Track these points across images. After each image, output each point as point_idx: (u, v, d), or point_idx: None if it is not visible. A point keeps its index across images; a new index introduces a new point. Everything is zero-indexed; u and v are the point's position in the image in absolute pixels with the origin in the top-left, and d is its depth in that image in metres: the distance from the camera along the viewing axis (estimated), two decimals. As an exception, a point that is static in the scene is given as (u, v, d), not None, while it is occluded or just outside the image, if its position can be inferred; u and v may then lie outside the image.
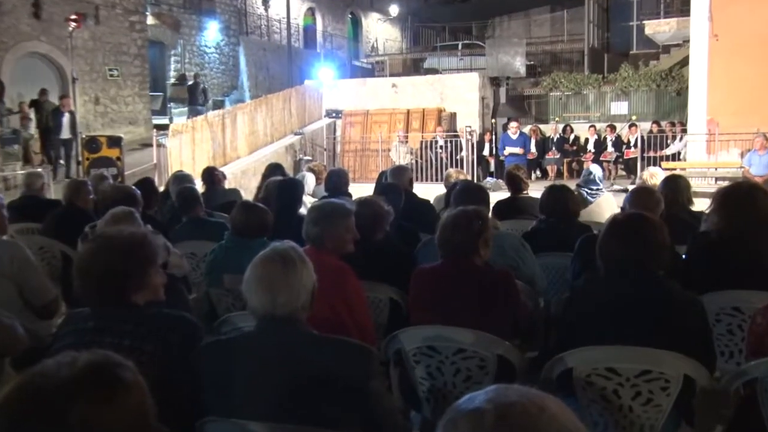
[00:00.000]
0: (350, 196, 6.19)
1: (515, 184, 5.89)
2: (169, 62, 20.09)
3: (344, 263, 3.04)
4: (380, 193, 4.79)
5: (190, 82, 18.10)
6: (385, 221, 3.83)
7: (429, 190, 10.62)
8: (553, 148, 15.03)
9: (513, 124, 13.12)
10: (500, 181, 14.14)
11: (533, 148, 15.16)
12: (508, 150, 12.96)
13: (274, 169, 7.15)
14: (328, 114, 17.51)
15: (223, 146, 13.72)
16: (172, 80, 19.58)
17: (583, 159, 15.68)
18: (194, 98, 17.68)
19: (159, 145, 12.24)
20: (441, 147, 14.83)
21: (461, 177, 6.69)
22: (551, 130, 16.22)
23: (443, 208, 5.08)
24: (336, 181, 6.20)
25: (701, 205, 3.96)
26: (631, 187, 7.31)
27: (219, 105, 18.46)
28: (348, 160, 16.71)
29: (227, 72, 21.10)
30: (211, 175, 6.83)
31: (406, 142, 15.37)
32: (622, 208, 3.43)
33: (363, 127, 16.85)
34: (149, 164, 12.34)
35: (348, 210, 3.20)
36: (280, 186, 5.41)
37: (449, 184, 6.27)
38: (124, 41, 17.23)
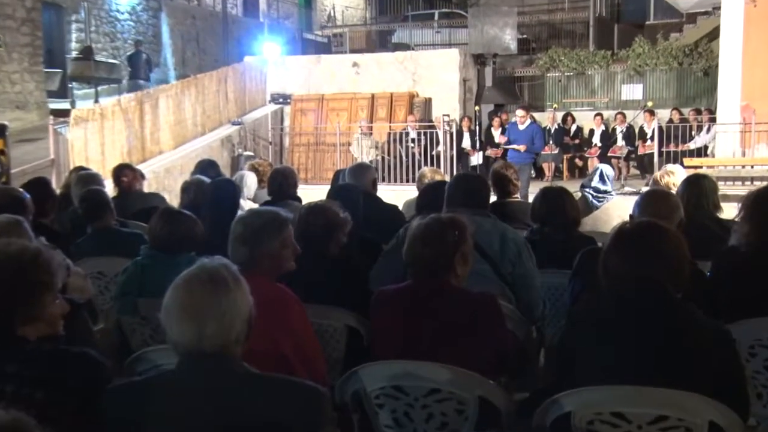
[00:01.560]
0: (299, 200, 6.20)
1: (502, 186, 5.96)
2: (70, 31, 19.43)
3: (283, 287, 3.03)
4: (336, 197, 4.80)
5: (131, 52, 18.09)
6: (340, 231, 3.84)
7: (398, 194, 10.66)
8: (551, 142, 15.23)
9: (519, 113, 13.25)
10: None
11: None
12: (510, 147, 13.09)
13: (206, 167, 7.12)
14: (274, 99, 17.49)
15: (141, 138, 13.59)
16: (74, 53, 19.02)
17: (587, 155, 15.95)
18: (136, 71, 17.50)
19: (57, 136, 12.02)
20: (413, 140, 14.93)
21: (437, 177, 6.73)
22: (548, 119, 16.46)
23: (414, 215, 5.11)
24: (281, 183, 6.20)
25: (731, 211, 4.05)
26: (646, 189, 7.46)
27: (136, 86, 18.22)
28: (298, 157, 16.71)
29: (146, 45, 20.88)
30: (125, 175, 6.77)
31: (370, 134, 15.44)
32: (631, 216, 3.49)
33: (317, 116, 16.89)
34: (44, 160, 12.06)
35: (282, 219, 3.20)
36: (213, 188, 5.40)
37: (422, 185, 6.31)
38: (7, 1, 16.44)
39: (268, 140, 16.62)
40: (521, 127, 12.92)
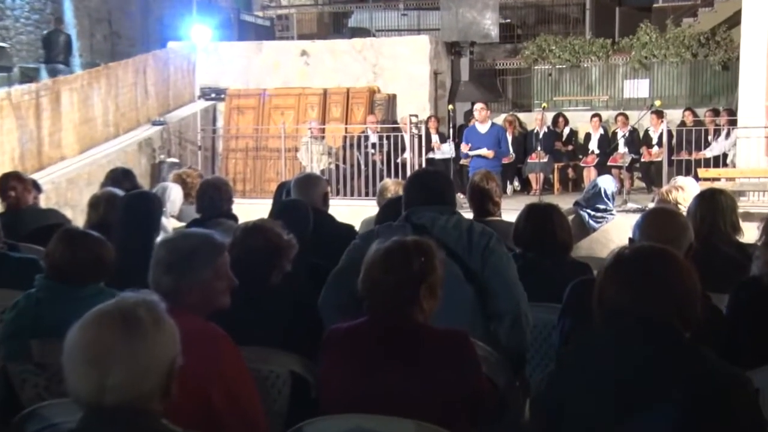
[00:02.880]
0: (235, 219, 6.18)
1: (481, 203, 6.01)
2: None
3: (214, 326, 3.03)
4: (279, 215, 4.80)
5: (47, 31, 18.03)
6: (284, 257, 3.85)
7: (354, 210, 10.66)
8: (539, 148, 15.39)
9: (479, 106, 13.38)
10: (461, 196, 14.26)
11: (510, 148, 15.50)
12: (473, 152, 13.14)
13: (119, 177, 7.09)
14: (205, 94, 17.45)
15: (37, 140, 13.45)
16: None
17: (582, 164, 16.16)
18: (53, 53, 17.33)
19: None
20: (374, 146, 14.99)
21: (401, 189, 6.77)
22: (536, 121, 16.66)
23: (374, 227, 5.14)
24: (213, 197, 6.19)
25: (753, 233, 4.12)
26: (652, 205, 7.54)
27: (31, 77, 18.06)
28: (234, 165, 16.68)
29: (44, 25, 20.67)
30: (13, 187, 6.70)
31: (322, 138, 15.48)
32: (631, 240, 3.54)
33: (257, 115, 16.90)
34: None
35: (216, 244, 3.20)
36: (127, 203, 5.36)
37: (384, 200, 6.34)
38: None
39: (196, 144, 16.57)
40: (483, 128, 13.10)
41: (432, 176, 4.40)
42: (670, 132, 14.81)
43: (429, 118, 16.24)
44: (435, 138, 15.94)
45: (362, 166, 14.86)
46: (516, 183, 16.58)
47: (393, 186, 7.00)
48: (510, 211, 6.35)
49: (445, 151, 15.13)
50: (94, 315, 2.18)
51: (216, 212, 6.14)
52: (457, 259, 3.86)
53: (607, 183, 6.88)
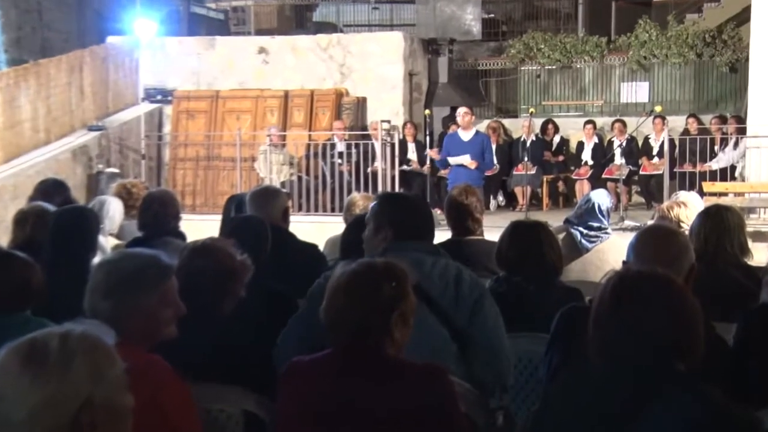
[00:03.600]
0: (182, 237, 6.16)
1: (460, 220, 6.03)
2: None
3: (158, 359, 3.02)
4: (232, 233, 4.80)
5: None
6: (237, 282, 3.84)
7: (319, 228, 10.64)
8: (526, 159, 15.47)
9: (462, 110, 13.28)
10: (437, 212, 14.21)
11: (494, 159, 15.56)
12: (454, 159, 13.08)
13: (50, 189, 7.05)
14: (149, 96, 17.37)
15: (-43, 148, 13.35)
16: None
17: (574, 177, 16.24)
18: None
19: None
20: (341, 155, 15.00)
21: (371, 203, 6.79)
22: (522, 128, 16.71)
23: (339, 259, 5.13)
24: (158, 212, 6.17)
25: (764, 255, 4.16)
26: (651, 223, 7.59)
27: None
28: (183, 176, 16.63)
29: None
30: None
31: (283, 146, 15.47)
32: (625, 263, 3.56)
33: (209, 120, 16.87)
34: None
35: (163, 267, 3.19)
36: (59, 220, 5.34)
37: (352, 217, 6.35)
38: None
39: (140, 152, 16.49)
40: (466, 135, 12.96)
41: (414, 203, 4.32)
42: (672, 141, 14.89)
43: (405, 124, 16.28)
44: (411, 147, 15.98)
45: (328, 178, 14.87)
46: (500, 197, 16.65)
47: (362, 201, 7.01)
48: (493, 229, 6.38)
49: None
50: (4, 349, 2.20)
51: (161, 230, 6.12)
52: (440, 314, 3.82)
53: (602, 198, 6.92)
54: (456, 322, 3.84)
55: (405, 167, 15.56)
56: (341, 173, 14.83)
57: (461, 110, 13.22)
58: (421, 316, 3.40)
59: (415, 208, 4.20)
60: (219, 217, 7.14)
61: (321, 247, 6.52)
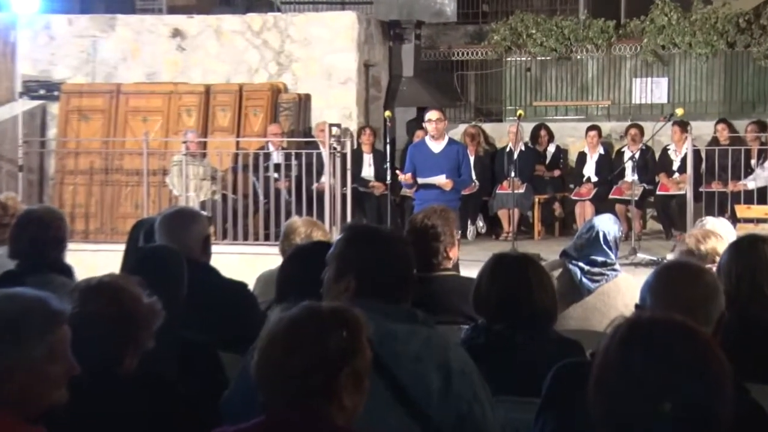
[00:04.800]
0: (68, 272, 6.10)
1: (426, 250, 6.05)
2: None
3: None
4: (137, 269, 4.77)
5: None
6: (143, 330, 3.82)
7: (249, 261, 10.58)
8: (513, 174, 15.50)
9: (433, 115, 13.04)
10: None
11: (473, 175, 15.57)
12: (424, 180, 12.94)
13: None
14: (29, 90, 17.22)
15: None
16: None
17: (574, 197, 16.30)
18: None
19: None
20: (277, 167, 14.96)
21: (317, 234, 6.78)
22: (508, 135, 16.73)
23: (274, 301, 5.12)
24: (36, 238, 6.08)
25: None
26: (670, 257, 7.62)
27: None
28: (73, 193, 16.50)
29: None
30: None
31: (203, 156, 15.41)
32: (639, 307, 3.58)
33: (108, 122, 16.76)
34: None
35: (53, 312, 3.16)
36: None
37: (291, 248, 6.33)
38: None
39: (16, 162, 16.34)
40: (437, 145, 12.63)
41: (392, 246, 4.10)
42: (697, 153, 14.97)
43: (362, 129, 16.29)
44: (368, 159, 16.01)
45: (260, 197, 14.86)
46: (480, 223, 16.70)
47: (304, 227, 6.99)
48: (470, 263, 6.43)
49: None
50: None
51: (40, 261, 6.02)
52: (414, 408, 3.63)
53: (609, 225, 6.89)
54: (434, 420, 3.66)
55: (360, 187, 15.58)
56: (278, 191, 14.80)
57: (431, 113, 12.83)
58: (383, 401, 3.39)
59: (391, 254, 4.02)
60: (121, 248, 7.08)
61: (251, 286, 6.51)
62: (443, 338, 3.89)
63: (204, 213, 7.22)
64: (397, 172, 13.33)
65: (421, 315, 3.92)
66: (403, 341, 3.72)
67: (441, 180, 12.17)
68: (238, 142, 15.78)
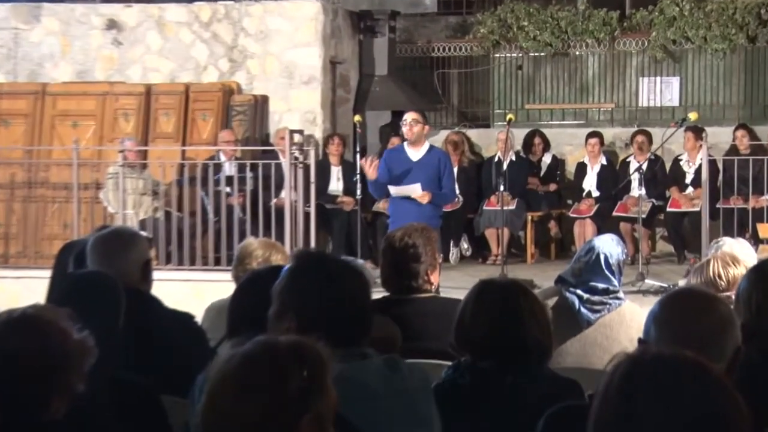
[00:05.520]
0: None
1: (402, 273, 6.06)
2: None
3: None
4: (66, 299, 4.76)
5: None
6: (72, 370, 3.81)
7: (197, 289, 10.56)
8: (502, 188, 15.50)
9: (410, 117, 12.95)
10: (368, 264, 13.99)
11: (456, 188, 15.57)
12: (396, 190, 12.86)
13: None
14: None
15: None
16: None
17: (572, 214, 16.33)
18: None
19: None
20: (230, 180, 14.93)
21: (276, 258, 6.79)
22: (497, 143, 16.83)
23: (226, 337, 5.12)
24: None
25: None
26: (683, 284, 7.64)
27: None
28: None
29: None
30: None
31: (144, 167, 15.39)
32: (642, 341, 3.60)
33: (31, 128, 16.69)
34: None
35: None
36: None
37: (245, 274, 6.34)
38: None
39: None
40: (415, 153, 12.52)
41: (342, 280, 4.15)
42: (713, 163, 15.03)
43: (329, 138, 16.29)
44: (336, 171, 16.01)
45: (210, 215, 14.85)
46: (464, 244, 16.73)
47: (261, 249, 6.99)
48: (452, 290, 6.45)
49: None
50: None
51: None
52: None
53: (611, 247, 6.90)
54: None
55: (327, 203, 15.59)
56: (230, 208, 14.81)
57: (408, 117, 12.66)
58: None
59: (340, 289, 4.07)
60: (46, 274, 7.08)
61: (199, 319, 6.51)
62: (408, 380, 3.95)
63: (144, 233, 7.19)
64: (362, 163, 13.00)
65: (372, 354, 3.99)
66: (357, 380, 3.82)
67: (416, 191, 12.12)
68: (183, 151, 15.77)
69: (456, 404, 4.46)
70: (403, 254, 6.14)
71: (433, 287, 6.40)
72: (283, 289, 4.04)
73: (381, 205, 15.02)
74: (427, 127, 12.80)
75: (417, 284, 6.15)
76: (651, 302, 3.89)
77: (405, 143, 12.65)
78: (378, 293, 6.08)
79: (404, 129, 12.64)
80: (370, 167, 12.44)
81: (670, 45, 18.50)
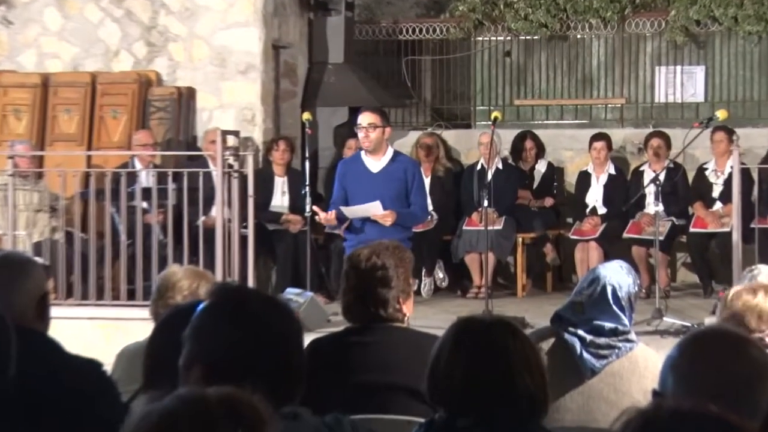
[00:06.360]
0: None
1: (367, 300, 6.11)
2: None
3: None
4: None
5: None
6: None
7: (106, 331, 10.53)
8: (486, 203, 15.54)
9: (367, 119, 12.84)
10: (319, 298, 14.12)
11: (429, 204, 15.61)
12: (350, 210, 12.80)
13: None
14: None
15: None
16: None
17: (573, 236, 16.38)
18: None
19: None
20: (147, 193, 14.91)
21: (203, 288, 6.81)
22: (480, 147, 16.89)
23: (141, 389, 5.14)
24: None
25: None
26: (709, 323, 7.69)
27: None
28: None
29: None
30: None
31: (39, 177, 15.36)
32: (657, 393, 3.62)
33: None
34: None
35: None
36: None
37: (169, 310, 6.36)
38: None
39: None
40: (376, 162, 12.41)
41: (262, 320, 4.12)
42: (747, 173, 15.07)
43: (273, 142, 16.29)
44: (280, 183, 16.01)
45: (122, 237, 14.82)
46: (439, 273, 16.76)
47: (187, 280, 7.00)
48: (424, 330, 6.45)
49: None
50: None
51: None
52: None
53: (621, 276, 6.92)
54: None
55: (269, 223, 15.62)
56: (147, 227, 14.82)
57: (363, 119, 12.48)
58: None
59: (260, 334, 4.06)
60: None
61: (108, 367, 6.51)
62: None
63: (39, 260, 7.18)
64: (315, 209, 12.99)
65: (315, 418, 4.02)
66: None
67: (375, 209, 12.21)
68: (89, 157, 15.76)
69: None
70: (370, 277, 6.16)
71: (405, 319, 6.42)
72: (191, 333, 4.04)
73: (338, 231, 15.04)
74: (388, 129, 12.73)
75: (386, 313, 6.16)
76: (670, 345, 3.90)
77: (362, 151, 12.57)
78: (337, 326, 6.11)
79: (359, 135, 12.71)
80: (326, 218, 12.59)
81: (693, 27, 18.58)
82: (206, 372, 3.84)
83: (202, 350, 3.93)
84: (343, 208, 12.52)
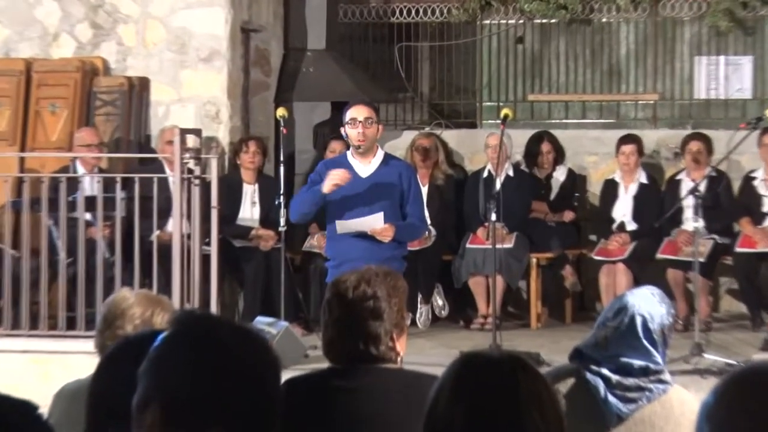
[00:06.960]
0: None
1: (355, 333, 6.17)
2: None
3: None
4: None
5: None
6: None
7: (42, 367, 10.54)
8: (494, 216, 15.58)
9: (357, 111, 12.80)
10: (295, 329, 14.17)
11: (427, 216, 15.63)
12: (344, 225, 12.73)
13: None
14: None
15: None
16: None
17: (597, 256, 16.40)
18: None
19: None
20: (91, 202, 14.95)
21: (160, 317, 6.83)
22: (487, 150, 16.94)
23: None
24: None
25: None
26: (758, 360, 7.72)
27: None
28: None
29: None
30: None
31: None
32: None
33: None
34: None
35: None
36: None
37: (118, 341, 6.38)
38: None
39: None
40: (365, 166, 12.33)
41: (230, 346, 4.18)
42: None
43: (241, 142, 16.33)
44: (250, 191, 16.05)
45: (61, 254, 14.83)
46: (438, 300, 16.78)
47: (140, 306, 7.02)
48: (420, 368, 6.49)
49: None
50: None
51: None
52: None
53: (653, 305, 6.93)
54: None
55: (236, 239, 15.66)
56: (92, 243, 14.84)
57: (359, 113, 12.50)
58: None
59: (228, 370, 3.98)
60: None
61: (45, 409, 6.52)
62: None
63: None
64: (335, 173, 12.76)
65: None
66: None
67: (375, 222, 12.20)
68: (22, 160, 15.78)
69: None
70: (358, 308, 6.14)
71: (399, 359, 6.42)
72: (147, 367, 4.03)
73: (315, 242, 15.07)
74: (380, 126, 12.76)
75: (377, 351, 6.14)
76: (707, 387, 3.90)
77: (350, 152, 12.52)
78: (316, 362, 6.13)
79: (352, 132, 12.61)
80: (343, 177, 12.45)
81: (739, 9, 18.59)
82: (165, 413, 3.79)
83: (161, 386, 3.86)
84: (338, 222, 12.51)
